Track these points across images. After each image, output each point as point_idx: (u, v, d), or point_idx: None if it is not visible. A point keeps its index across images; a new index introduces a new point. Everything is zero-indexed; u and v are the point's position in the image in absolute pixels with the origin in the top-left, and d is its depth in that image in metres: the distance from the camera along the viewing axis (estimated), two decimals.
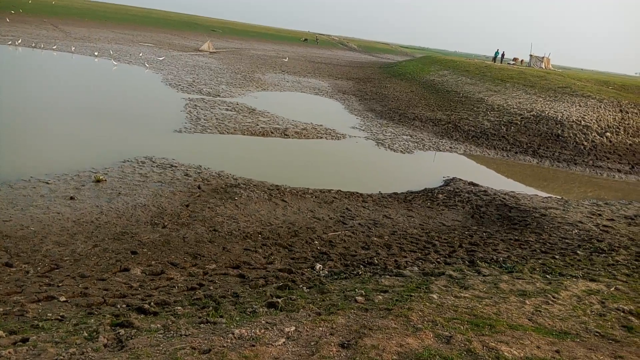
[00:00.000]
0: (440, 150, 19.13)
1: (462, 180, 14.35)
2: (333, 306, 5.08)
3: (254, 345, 3.78)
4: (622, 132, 21.44)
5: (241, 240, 8.43)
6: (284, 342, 3.90)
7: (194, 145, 14.58)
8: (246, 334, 4.04)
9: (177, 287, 6.26)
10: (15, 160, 10.87)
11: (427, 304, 5.21)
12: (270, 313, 4.92)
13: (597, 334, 4.86)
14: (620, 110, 22.94)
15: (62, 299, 5.54)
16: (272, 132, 17.40)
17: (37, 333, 4.40)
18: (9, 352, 3.85)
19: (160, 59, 34.61)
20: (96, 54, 31.91)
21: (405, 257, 8.18)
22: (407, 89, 34.29)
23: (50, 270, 6.47)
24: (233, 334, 4.02)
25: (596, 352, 4.38)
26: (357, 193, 12.19)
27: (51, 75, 23.33)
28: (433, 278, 6.52)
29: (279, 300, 5.30)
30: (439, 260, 7.99)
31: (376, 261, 7.75)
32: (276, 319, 4.56)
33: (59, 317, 4.93)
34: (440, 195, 12.77)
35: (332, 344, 3.93)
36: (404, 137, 20.41)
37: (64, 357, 3.70)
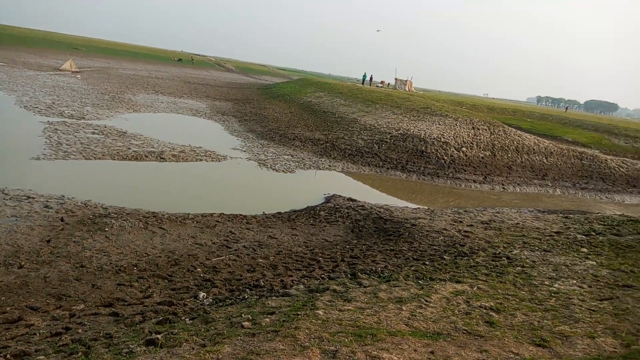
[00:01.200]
0: (320, 169, 19.79)
1: (341, 196, 14.98)
2: (219, 335, 4.90)
3: None
4: (475, 147, 24.25)
5: (113, 275, 7.77)
6: None
7: (54, 173, 13.21)
8: None
9: (39, 333, 5.54)
10: None
11: (314, 320, 5.29)
12: (150, 351, 4.59)
13: (464, 331, 5.35)
14: (473, 128, 25.95)
15: None
16: (146, 156, 16.48)
17: None
18: None
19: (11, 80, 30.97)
20: None
21: (291, 276, 8.24)
22: (286, 110, 35.03)
23: None
24: None
25: (465, 349, 4.82)
26: (241, 215, 12.04)
27: None
28: (318, 294, 6.65)
29: (159, 336, 4.97)
30: (323, 276, 8.19)
31: (262, 283, 7.68)
32: (156, 357, 4.26)
33: None
34: (322, 212, 13.16)
35: None
36: (285, 156, 20.75)
37: None
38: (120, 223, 10.07)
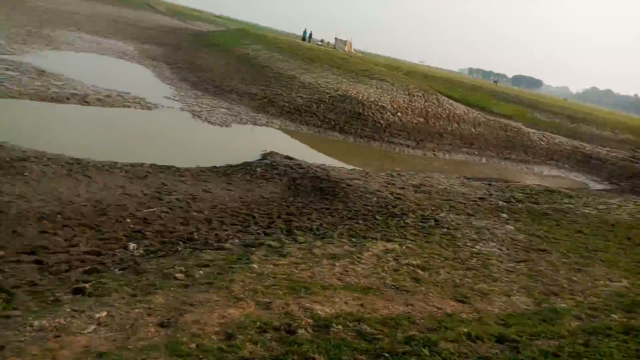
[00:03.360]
0: (257, 125, 19.47)
1: (279, 154, 14.90)
2: (150, 286, 4.82)
3: (58, 336, 3.36)
4: (410, 113, 24.92)
5: (35, 222, 7.29)
6: (94, 329, 3.57)
7: None
8: (48, 325, 3.56)
9: None
10: None
11: (248, 274, 5.34)
12: (77, 300, 4.43)
13: (393, 287, 5.67)
14: (409, 94, 26.57)
15: None
16: (68, 98, 15.28)
17: None
18: None
19: None
20: None
21: (227, 230, 8.19)
22: (222, 61, 33.71)
23: None
24: (32, 326, 3.51)
25: (392, 302, 5.11)
26: (174, 167, 11.64)
27: None
28: (253, 249, 6.70)
29: (87, 285, 4.80)
30: (259, 231, 8.22)
31: (197, 236, 7.58)
32: (84, 306, 4.12)
33: None
34: (259, 169, 13.06)
35: (150, 324, 3.75)
36: (221, 109, 20.14)
37: None
38: (41, 168, 9.38)
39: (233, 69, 31.01)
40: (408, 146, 22.38)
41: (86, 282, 4.99)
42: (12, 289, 4.89)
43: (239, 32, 54.31)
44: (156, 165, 11.46)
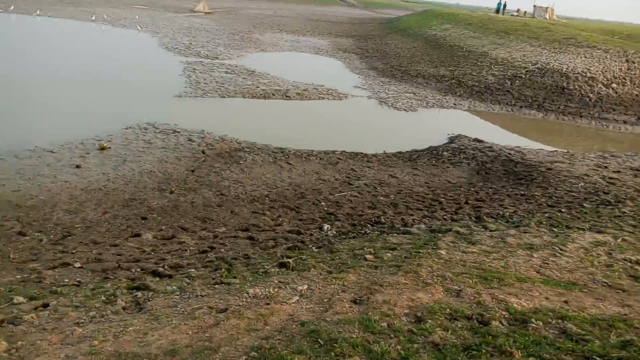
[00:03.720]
0: (444, 107, 18.93)
1: (467, 137, 14.26)
2: (343, 265, 5.16)
3: (268, 304, 3.87)
4: (629, 83, 21.08)
5: (248, 204, 8.48)
6: (297, 300, 4.00)
7: (195, 109, 14.47)
8: (260, 293, 4.13)
9: (189, 250, 6.36)
10: (17, 130, 10.83)
11: (436, 259, 5.28)
12: (282, 273, 5.01)
13: (604, 284, 4.95)
14: (627, 61, 22.46)
15: (77, 265, 5.64)
16: (273, 94, 17.20)
17: (56, 298, 4.51)
18: (32, 317, 3.96)
19: (154, 21, 33.84)
20: (93, 18, 31.19)
21: (412, 215, 8.24)
22: (409, 45, 33.58)
23: (62, 238, 6.56)
24: (247, 293, 4.12)
25: (604, 301, 4.46)
26: (362, 153, 12.16)
27: (50, 43, 22.89)
28: (440, 235, 6.59)
29: (290, 260, 5.38)
30: (445, 217, 8.05)
31: (383, 220, 7.81)
32: (288, 279, 4.65)
33: (76, 283, 5.04)
34: (445, 153, 12.73)
35: (345, 300, 4.02)
36: (407, 94, 20.15)
37: (85, 320, 3.80)
38: (252, 157, 10.83)
39: (420, 52, 30.62)
40: (626, 122, 18.99)
41: (289, 257, 5.61)
42: (231, 260, 5.80)
43: (426, 14, 53.18)
44: (346, 152, 12.13)
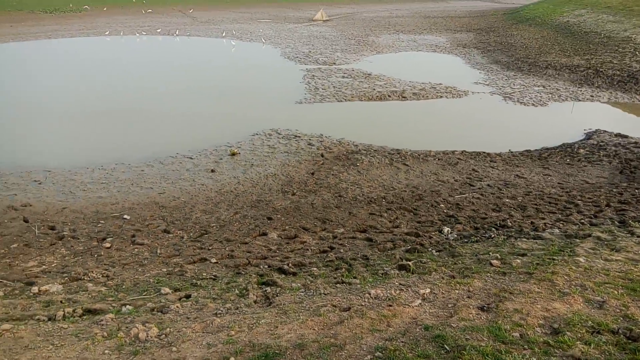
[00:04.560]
0: (580, 100, 17.16)
1: (607, 132, 12.79)
2: (467, 269, 4.96)
3: (391, 305, 3.87)
4: None
5: (366, 205, 8.56)
6: (420, 303, 3.94)
7: (314, 114, 14.99)
8: (382, 294, 4.15)
9: (311, 249, 6.62)
10: (162, 138, 12.22)
11: (573, 267, 4.82)
12: (402, 275, 4.97)
13: None
14: None
15: (213, 260, 6.20)
16: (389, 96, 17.13)
17: (196, 290, 5.01)
18: (177, 306, 4.45)
19: (277, 33, 35.77)
20: (223, 34, 34.00)
21: (543, 218, 7.62)
22: (536, 35, 31.07)
23: (200, 236, 7.25)
24: (369, 293, 4.16)
25: None
26: (484, 153, 11.56)
27: (187, 58, 25.48)
28: (578, 240, 6.00)
29: (410, 263, 5.32)
30: (583, 221, 7.30)
31: (510, 223, 7.34)
32: (409, 281, 4.60)
33: (213, 277, 5.54)
34: (582, 150, 11.54)
35: (471, 306, 3.87)
36: (536, 88, 18.66)
37: (222, 311, 4.17)
38: (369, 159, 10.91)
39: (549, 41, 28.17)
40: None
41: (408, 260, 5.55)
42: (351, 261, 5.91)
43: (557, 0, 48.73)
44: (467, 151, 11.63)
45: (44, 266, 6.11)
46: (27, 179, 9.48)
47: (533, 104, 16.42)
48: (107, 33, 32.75)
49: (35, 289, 5.20)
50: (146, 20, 41.71)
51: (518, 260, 5.19)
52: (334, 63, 23.56)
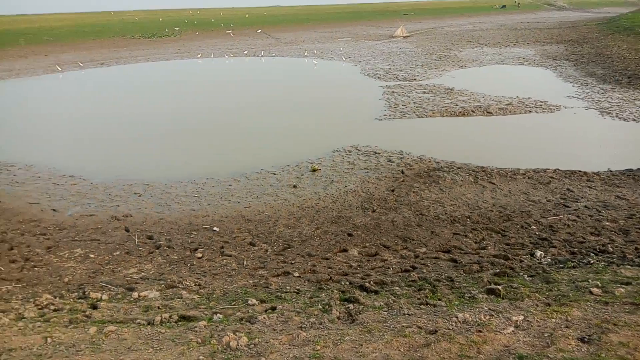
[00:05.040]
0: None
1: None
2: (563, 297, 4.64)
3: (480, 331, 3.72)
4: None
5: (449, 224, 8.32)
6: (513, 331, 3.74)
7: (394, 131, 14.91)
8: (470, 318, 4.00)
9: (392, 268, 6.55)
10: (248, 154, 12.79)
11: None
12: (491, 300, 4.76)
13: None
14: None
15: (296, 274, 6.34)
16: (472, 111, 16.61)
17: (281, 303, 5.15)
18: (264, 318, 4.60)
19: (356, 50, 36.19)
20: (305, 54, 35.08)
21: None
22: (636, 45, 28.66)
23: (283, 250, 7.46)
24: (457, 317, 4.03)
25: None
26: (580, 171, 10.79)
27: (270, 77, 26.56)
28: None
29: (499, 287, 5.08)
30: None
31: (611, 249, 6.76)
32: (499, 307, 4.39)
33: (296, 290, 5.67)
34: None
35: (570, 337, 3.60)
36: (637, 102, 17.15)
37: (306, 325, 4.25)
38: (451, 176, 10.62)
39: None
40: None
41: (497, 284, 5.30)
42: (434, 282, 5.76)
43: None
44: (560, 170, 10.93)
45: (142, 273, 6.61)
46: (129, 191, 10.35)
47: (634, 119, 15.09)
48: (199, 55, 35.09)
49: (135, 294, 5.64)
50: (234, 42, 44.21)
51: (622, 289, 4.77)
52: (415, 79, 23.34)
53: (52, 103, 20.88)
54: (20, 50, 38.72)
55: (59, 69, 29.52)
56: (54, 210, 9.41)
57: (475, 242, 7.51)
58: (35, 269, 6.82)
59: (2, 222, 8.71)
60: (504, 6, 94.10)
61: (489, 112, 16.46)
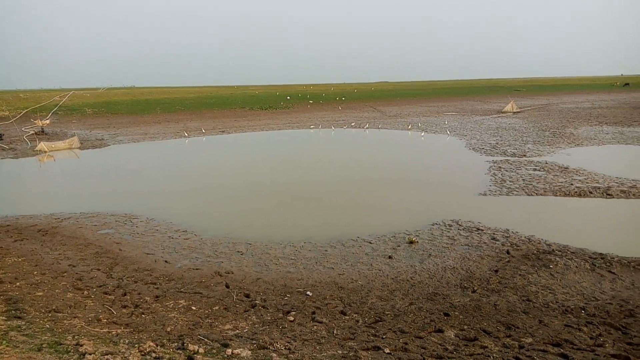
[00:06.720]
0: None
1: None
2: None
3: None
4: None
5: (560, 315, 7.55)
6: None
7: (499, 208, 14.23)
8: None
9: (492, 357, 6.05)
10: (346, 222, 12.97)
11: None
12: None
13: None
14: None
15: (387, 350, 6.13)
16: (590, 192, 15.33)
17: None
18: None
19: (462, 125, 35.83)
20: (409, 127, 35.59)
21: None
22: None
23: (375, 322, 7.29)
24: None
25: None
26: None
27: (373, 149, 27.18)
28: None
29: None
30: None
31: None
32: None
33: None
34: None
35: None
36: None
37: None
38: (564, 262, 9.75)
39: None
40: None
41: None
42: None
43: None
44: None
45: (237, 330, 6.85)
46: (233, 249, 10.98)
47: None
48: (311, 127, 37.21)
49: (229, 351, 5.84)
50: (341, 115, 46.37)
51: None
52: (524, 155, 22.37)
53: (176, 163, 23.31)
54: (156, 117, 44.41)
55: (186, 134, 33.15)
56: (165, 261, 10.26)
57: (591, 338, 6.70)
58: (143, 315, 7.40)
59: (120, 269, 9.69)
60: (627, 84, 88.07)
61: (608, 194, 15.08)
